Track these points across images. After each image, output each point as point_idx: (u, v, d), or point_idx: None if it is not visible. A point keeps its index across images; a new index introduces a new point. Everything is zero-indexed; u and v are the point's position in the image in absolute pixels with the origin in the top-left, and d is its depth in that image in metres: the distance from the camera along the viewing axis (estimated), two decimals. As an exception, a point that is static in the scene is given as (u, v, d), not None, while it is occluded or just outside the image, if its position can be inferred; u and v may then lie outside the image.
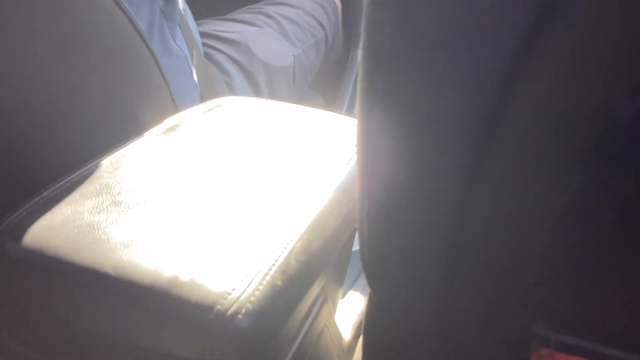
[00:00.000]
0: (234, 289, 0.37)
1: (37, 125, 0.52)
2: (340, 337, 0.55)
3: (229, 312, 0.36)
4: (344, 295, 0.70)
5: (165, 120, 0.57)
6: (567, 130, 0.26)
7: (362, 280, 0.76)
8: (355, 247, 0.57)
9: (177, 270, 0.38)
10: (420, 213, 0.31)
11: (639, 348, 0.30)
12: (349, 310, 0.65)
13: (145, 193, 0.45)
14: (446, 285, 0.34)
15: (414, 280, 0.34)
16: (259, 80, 0.99)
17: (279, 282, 0.38)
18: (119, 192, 0.45)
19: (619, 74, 0.24)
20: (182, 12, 0.88)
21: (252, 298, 0.37)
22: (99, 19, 0.58)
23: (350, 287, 0.74)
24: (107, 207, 0.43)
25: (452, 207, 0.30)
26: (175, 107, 0.68)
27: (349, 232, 0.51)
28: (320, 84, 1.29)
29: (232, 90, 0.95)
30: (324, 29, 1.19)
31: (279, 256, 0.40)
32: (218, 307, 0.36)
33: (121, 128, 0.58)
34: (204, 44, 0.97)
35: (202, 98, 0.86)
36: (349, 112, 1.34)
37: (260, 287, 0.37)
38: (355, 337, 0.60)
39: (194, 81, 0.85)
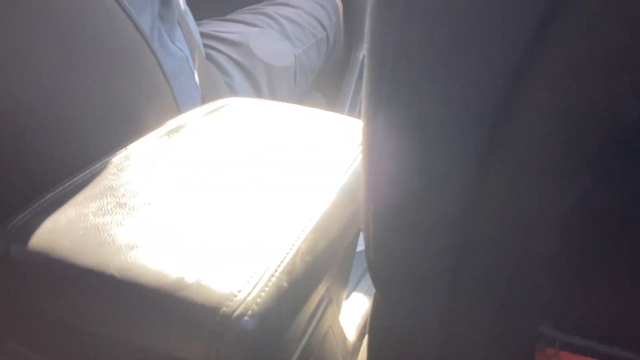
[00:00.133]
0: (239, 291, 0.37)
1: (40, 127, 0.52)
2: (344, 338, 0.55)
3: (235, 313, 0.36)
4: (348, 295, 0.70)
5: (168, 122, 0.57)
6: (573, 133, 0.26)
7: (366, 281, 0.76)
8: (359, 247, 0.57)
9: (183, 272, 0.38)
10: (426, 215, 0.31)
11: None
12: (353, 311, 0.65)
13: (150, 194, 0.45)
14: (452, 287, 0.33)
15: (420, 282, 0.34)
16: (259, 81, 0.99)
17: (285, 284, 0.38)
18: (124, 194, 0.45)
19: (624, 76, 0.24)
20: (183, 13, 0.88)
21: (258, 299, 0.37)
22: (102, 20, 0.58)
23: (354, 288, 0.74)
24: (111, 209, 0.43)
25: (458, 209, 0.30)
26: (178, 107, 0.68)
27: (354, 232, 0.51)
28: (322, 84, 1.29)
29: (233, 91, 0.95)
30: (325, 29, 1.19)
31: (285, 257, 0.40)
32: (224, 308, 0.36)
33: (124, 129, 0.58)
34: (205, 45, 0.97)
35: (203, 99, 0.86)
36: (351, 111, 1.34)
37: (266, 289, 0.37)
38: (360, 338, 0.60)
39: (195, 82, 0.85)
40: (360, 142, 0.55)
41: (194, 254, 0.39)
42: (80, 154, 0.52)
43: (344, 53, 1.32)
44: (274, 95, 1.01)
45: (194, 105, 0.81)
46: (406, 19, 0.27)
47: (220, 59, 0.96)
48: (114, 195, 0.45)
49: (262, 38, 1.03)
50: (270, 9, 1.14)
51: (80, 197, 0.45)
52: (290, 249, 0.40)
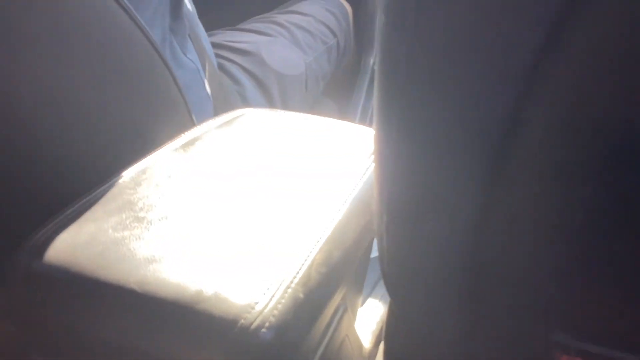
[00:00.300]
0: (257, 303, 0.37)
1: (57, 143, 0.53)
2: (360, 346, 0.56)
3: (253, 326, 0.36)
4: (363, 302, 0.70)
5: (183, 134, 0.57)
6: (578, 143, 0.26)
7: (381, 288, 0.76)
8: (373, 253, 0.57)
9: (201, 285, 0.38)
10: (439, 226, 0.31)
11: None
12: (368, 318, 0.66)
13: (167, 208, 0.46)
14: (466, 297, 0.34)
15: (435, 291, 0.35)
16: (271, 90, 1.00)
17: (301, 295, 0.39)
18: (141, 208, 0.46)
19: (633, 89, 0.25)
20: (194, 25, 0.89)
21: (275, 311, 0.37)
22: (116, 35, 0.58)
23: (369, 295, 0.74)
24: (130, 223, 0.44)
25: (471, 220, 0.30)
26: (192, 119, 0.69)
27: (368, 241, 0.51)
28: (333, 91, 1.30)
29: (244, 100, 0.96)
30: (335, 35, 1.20)
31: (300, 268, 0.40)
32: (242, 321, 0.36)
33: (140, 142, 0.59)
34: (217, 55, 0.98)
35: (215, 109, 0.87)
36: (363, 117, 1.35)
37: (283, 300, 0.38)
38: (376, 345, 0.60)
39: (207, 93, 0.86)
40: (373, 152, 0.56)
41: (211, 267, 0.40)
42: (97, 168, 0.53)
43: (354, 59, 1.33)
44: (286, 103, 1.02)
45: (206, 115, 0.82)
46: (415, 37, 0.28)
47: (233, 68, 0.97)
48: (132, 210, 0.45)
49: (273, 47, 1.04)
50: (281, 17, 1.15)
51: (99, 212, 0.46)
52: (306, 260, 0.41)
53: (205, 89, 0.85)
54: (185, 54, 0.83)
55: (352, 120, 1.33)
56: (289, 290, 0.39)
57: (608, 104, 0.25)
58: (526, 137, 0.27)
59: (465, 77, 0.27)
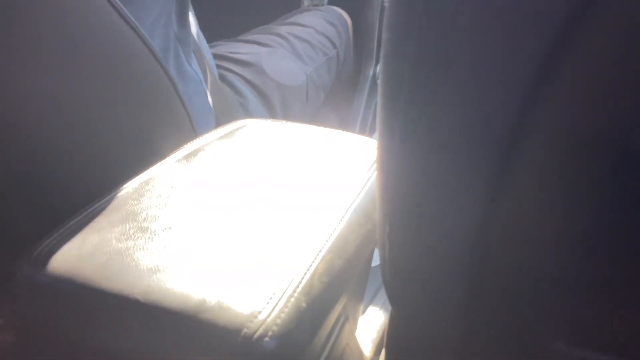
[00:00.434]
0: (260, 312, 0.38)
1: (60, 154, 0.53)
2: (361, 355, 0.56)
3: (256, 335, 0.37)
4: (363, 311, 0.70)
5: (186, 145, 0.58)
6: (586, 153, 0.27)
7: (381, 296, 0.76)
8: (374, 263, 0.58)
9: (204, 295, 0.39)
10: (441, 237, 0.32)
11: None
12: (369, 327, 0.66)
13: (170, 218, 0.46)
14: (467, 305, 0.34)
15: (436, 301, 0.35)
16: (272, 100, 1.00)
17: (303, 304, 0.39)
18: (145, 219, 0.46)
19: (635, 101, 0.25)
20: (196, 36, 0.90)
21: (278, 320, 0.38)
22: (120, 47, 0.59)
23: (370, 303, 0.75)
24: (133, 233, 0.44)
25: (472, 230, 0.31)
26: (194, 130, 0.69)
27: (369, 250, 0.52)
28: (333, 101, 1.31)
29: (246, 111, 0.97)
30: (335, 46, 1.21)
31: (303, 278, 0.41)
32: (245, 330, 0.37)
33: (143, 153, 0.59)
34: (218, 66, 0.99)
35: (217, 120, 0.87)
36: (362, 127, 1.36)
37: (286, 310, 0.38)
38: (376, 354, 0.61)
39: (209, 104, 0.87)
40: (375, 162, 0.56)
41: (214, 276, 0.40)
42: (100, 179, 0.53)
43: (354, 70, 1.34)
44: (287, 114, 1.03)
45: (208, 126, 0.83)
46: (420, 49, 0.28)
47: (234, 79, 0.98)
48: (135, 220, 0.46)
49: (274, 58, 1.05)
50: (282, 29, 1.16)
51: (102, 223, 0.46)
52: (308, 270, 0.41)
53: (207, 100, 0.86)
54: (190, 64, 0.84)
55: (352, 130, 1.34)
56: (292, 299, 0.39)
57: (611, 114, 0.26)
58: (530, 146, 0.28)
59: (469, 89, 0.28)
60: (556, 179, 0.28)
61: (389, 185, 0.33)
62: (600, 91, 0.26)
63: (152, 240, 0.44)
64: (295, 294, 0.39)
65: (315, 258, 0.43)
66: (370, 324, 0.69)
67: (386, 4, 0.30)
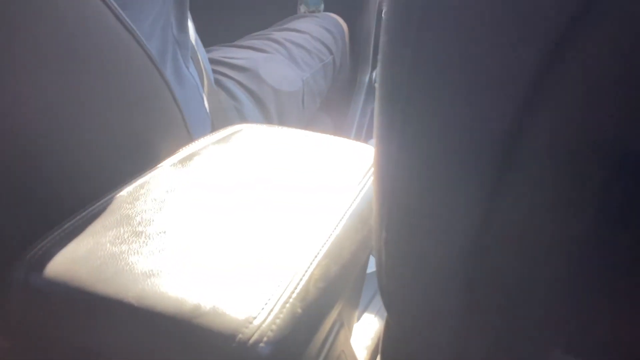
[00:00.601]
0: (255, 318, 0.37)
1: (55, 157, 0.53)
2: (356, 362, 0.56)
3: (251, 340, 0.36)
4: (358, 318, 0.70)
5: (182, 149, 0.58)
6: (582, 162, 0.27)
7: (376, 303, 0.76)
8: (369, 269, 0.58)
9: (199, 299, 0.38)
10: (438, 244, 0.32)
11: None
12: (363, 334, 0.66)
13: (165, 222, 0.46)
14: (463, 313, 0.34)
15: (432, 308, 0.35)
16: (268, 106, 1.00)
17: (299, 310, 0.39)
18: (140, 222, 0.46)
19: (632, 109, 0.25)
20: (193, 40, 0.90)
21: (273, 326, 0.37)
22: (116, 51, 0.59)
23: (365, 310, 0.74)
24: (128, 237, 0.44)
25: (469, 236, 0.31)
26: (189, 134, 0.69)
27: (364, 257, 0.51)
28: (329, 107, 1.31)
29: (242, 116, 0.97)
30: (331, 53, 1.21)
31: (298, 283, 0.40)
32: (240, 335, 0.37)
33: (138, 158, 0.59)
34: (214, 71, 0.99)
35: (213, 124, 0.87)
36: (358, 132, 1.36)
37: (281, 315, 0.38)
38: (371, 361, 0.60)
39: (205, 108, 0.87)
40: (371, 167, 0.56)
41: (209, 281, 0.40)
42: (95, 183, 0.53)
43: (350, 76, 1.34)
44: (282, 119, 1.03)
45: (204, 131, 0.83)
46: (418, 54, 0.28)
47: (230, 84, 0.98)
48: (130, 224, 0.46)
49: (271, 63, 1.05)
50: (278, 35, 1.16)
51: (97, 226, 0.46)
52: (304, 275, 0.41)
53: (204, 104, 0.86)
54: (188, 68, 0.84)
55: (348, 136, 1.34)
56: (288, 305, 0.39)
57: (609, 121, 0.26)
58: (528, 152, 0.28)
59: (466, 94, 0.28)
60: (553, 186, 0.28)
61: (387, 190, 0.32)
62: (598, 97, 0.26)
63: (146, 244, 0.43)
64: (291, 300, 0.39)
65: (311, 264, 0.42)
66: (365, 331, 0.69)
67: (384, 8, 0.30)
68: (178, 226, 0.46)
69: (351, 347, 0.54)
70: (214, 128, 0.86)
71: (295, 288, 0.40)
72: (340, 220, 0.48)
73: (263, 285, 0.40)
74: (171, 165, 0.55)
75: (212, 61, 1.00)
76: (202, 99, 0.86)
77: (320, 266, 0.43)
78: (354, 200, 0.51)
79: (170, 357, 0.38)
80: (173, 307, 0.38)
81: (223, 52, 1.07)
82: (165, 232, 0.45)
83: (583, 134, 0.26)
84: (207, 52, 1.02)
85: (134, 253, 0.42)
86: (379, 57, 0.30)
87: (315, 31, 1.21)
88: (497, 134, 0.27)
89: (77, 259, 0.42)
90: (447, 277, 0.33)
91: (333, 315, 0.46)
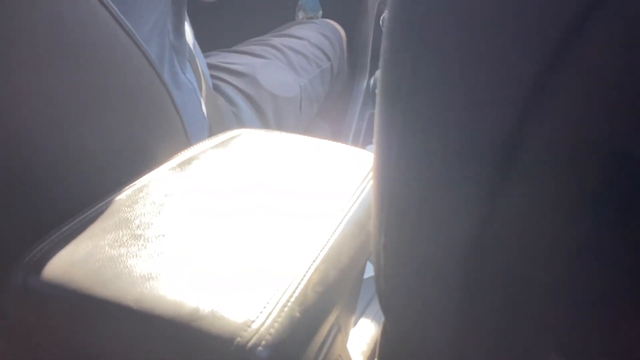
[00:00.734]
0: (253, 321, 0.37)
1: (53, 160, 0.53)
2: (353, 367, 0.56)
3: (249, 344, 0.36)
4: (355, 322, 0.70)
5: (180, 153, 0.58)
6: (582, 165, 0.27)
7: (373, 308, 0.76)
8: (367, 274, 0.58)
9: (198, 303, 0.38)
10: (437, 248, 0.32)
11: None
12: (360, 339, 0.66)
13: (164, 226, 0.46)
14: (461, 317, 0.34)
15: (430, 312, 0.35)
16: (266, 111, 1.00)
17: (297, 314, 0.39)
18: (138, 226, 0.46)
19: (632, 111, 0.25)
20: (191, 45, 0.90)
21: (272, 330, 0.37)
22: (116, 55, 0.59)
23: (362, 315, 0.75)
24: (126, 240, 0.44)
25: (468, 241, 0.31)
26: (188, 139, 0.69)
27: (362, 262, 0.52)
28: (326, 113, 1.31)
29: (239, 121, 0.97)
30: (329, 59, 1.22)
31: (297, 287, 0.41)
32: (238, 339, 0.37)
33: (136, 161, 0.59)
34: (213, 76, 0.99)
35: (211, 129, 0.87)
36: (355, 139, 1.36)
37: (279, 319, 0.38)
38: (368, 366, 0.60)
39: (203, 113, 0.87)
40: (368, 173, 0.56)
41: (208, 285, 0.40)
42: (94, 186, 0.53)
43: (347, 82, 1.35)
44: (280, 125, 1.03)
45: (202, 136, 0.83)
46: (418, 59, 0.28)
47: (228, 89, 0.98)
48: (128, 227, 0.46)
49: (269, 69, 1.05)
50: (276, 40, 1.16)
51: (95, 230, 0.46)
52: (302, 279, 0.41)
53: (202, 109, 0.86)
54: (184, 73, 0.84)
55: (345, 141, 1.34)
56: (286, 309, 0.39)
57: (609, 124, 0.26)
58: (528, 155, 0.28)
59: (467, 98, 0.28)
60: (552, 187, 0.28)
61: (386, 193, 0.33)
62: (598, 99, 0.26)
63: (145, 248, 0.43)
64: (289, 304, 0.39)
65: (310, 268, 0.42)
66: (361, 337, 0.69)
67: (384, 14, 0.30)
68: (177, 230, 0.46)
69: (348, 352, 0.54)
70: (211, 133, 0.86)
71: (294, 292, 0.40)
72: (339, 225, 0.48)
73: (261, 289, 0.40)
74: (170, 169, 0.55)
75: (211, 66, 1.01)
76: (200, 103, 0.86)
77: (318, 271, 0.43)
78: (352, 206, 0.51)
79: (169, 361, 0.38)
80: (171, 310, 0.38)
81: (221, 58, 1.07)
82: (164, 236, 0.45)
83: (583, 135, 0.26)
84: (206, 57, 1.02)
85: (133, 256, 0.42)
86: (380, 62, 0.30)
87: (313, 37, 1.21)
88: (498, 136, 0.28)
89: (75, 262, 0.42)
90: (447, 279, 0.33)
91: (331, 319, 0.46)
